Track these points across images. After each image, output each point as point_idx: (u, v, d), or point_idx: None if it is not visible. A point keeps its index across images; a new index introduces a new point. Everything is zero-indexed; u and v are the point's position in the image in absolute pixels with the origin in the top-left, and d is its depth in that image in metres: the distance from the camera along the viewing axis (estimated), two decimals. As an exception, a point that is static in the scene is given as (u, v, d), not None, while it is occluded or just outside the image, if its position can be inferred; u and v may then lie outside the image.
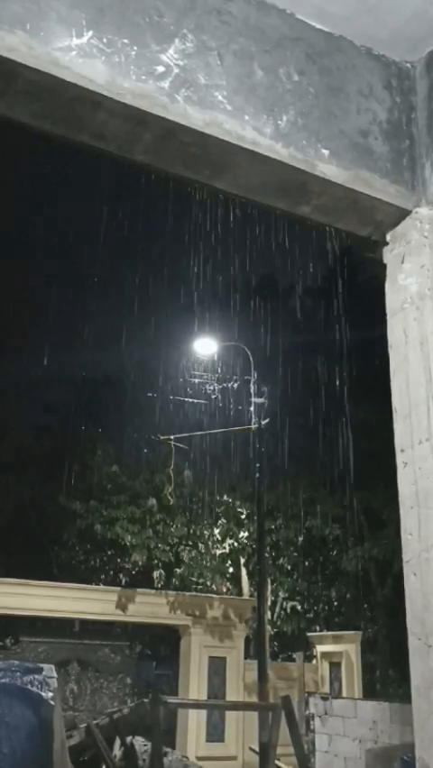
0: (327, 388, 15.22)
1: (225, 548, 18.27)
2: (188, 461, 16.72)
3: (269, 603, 16.93)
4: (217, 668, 15.10)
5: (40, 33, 2.15)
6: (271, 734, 7.78)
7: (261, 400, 14.72)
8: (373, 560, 18.08)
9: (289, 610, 19.21)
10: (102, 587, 17.01)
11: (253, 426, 14.56)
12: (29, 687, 5.41)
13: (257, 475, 14.25)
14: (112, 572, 19.48)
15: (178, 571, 17.33)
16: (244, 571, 18.48)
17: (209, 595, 16.03)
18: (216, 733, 14.60)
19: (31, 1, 2.15)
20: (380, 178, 2.71)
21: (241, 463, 16.25)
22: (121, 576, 19.03)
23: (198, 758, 13.17)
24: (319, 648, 16.71)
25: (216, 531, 18.31)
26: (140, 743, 9.87)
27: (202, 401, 16.54)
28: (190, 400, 16.51)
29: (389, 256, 2.85)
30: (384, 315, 2.81)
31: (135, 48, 2.31)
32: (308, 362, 16.20)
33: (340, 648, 16.24)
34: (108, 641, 15.38)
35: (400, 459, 2.63)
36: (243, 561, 18.53)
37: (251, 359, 15.27)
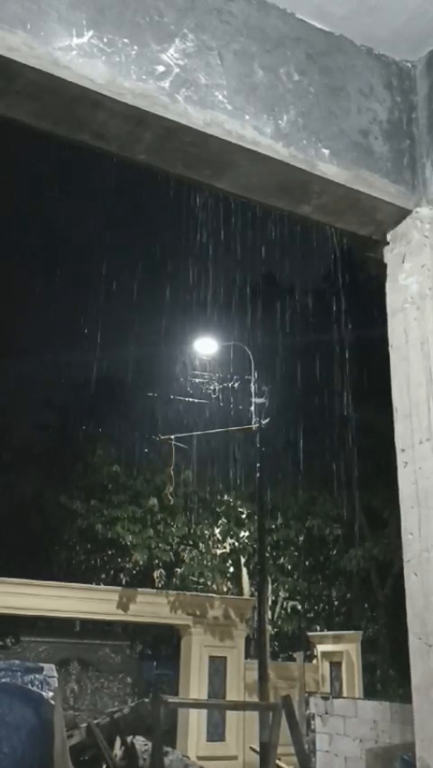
0: (328, 388, 15.23)
1: (225, 548, 18.28)
2: (189, 460, 16.73)
3: (269, 603, 16.94)
4: (218, 668, 15.10)
5: (40, 33, 2.15)
6: (272, 733, 7.78)
7: (261, 400, 14.72)
8: (373, 559, 18.09)
9: (289, 610, 19.22)
10: (103, 587, 17.01)
11: (254, 426, 14.56)
12: (29, 686, 5.41)
13: (258, 474, 14.26)
14: (112, 572, 19.49)
15: (178, 570, 17.35)
16: (244, 571, 18.49)
17: (210, 595, 16.03)
18: (216, 732, 14.60)
19: (31, 1, 2.15)
20: (380, 177, 2.71)
21: (241, 463, 16.27)
22: (121, 576, 19.04)
23: (199, 758, 13.18)
24: (320, 648, 16.70)
25: (217, 530, 18.32)
26: (140, 742, 9.88)
27: (203, 401, 16.54)
28: (191, 400, 16.52)
29: (389, 256, 2.85)
30: (385, 314, 2.81)
31: (136, 47, 2.31)
32: (308, 362, 16.20)
33: (341, 648, 16.24)
34: (109, 641, 15.40)
35: (400, 459, 2.63)
36: (243, 560, 18.54)
37: (251, 358, 15.28)
